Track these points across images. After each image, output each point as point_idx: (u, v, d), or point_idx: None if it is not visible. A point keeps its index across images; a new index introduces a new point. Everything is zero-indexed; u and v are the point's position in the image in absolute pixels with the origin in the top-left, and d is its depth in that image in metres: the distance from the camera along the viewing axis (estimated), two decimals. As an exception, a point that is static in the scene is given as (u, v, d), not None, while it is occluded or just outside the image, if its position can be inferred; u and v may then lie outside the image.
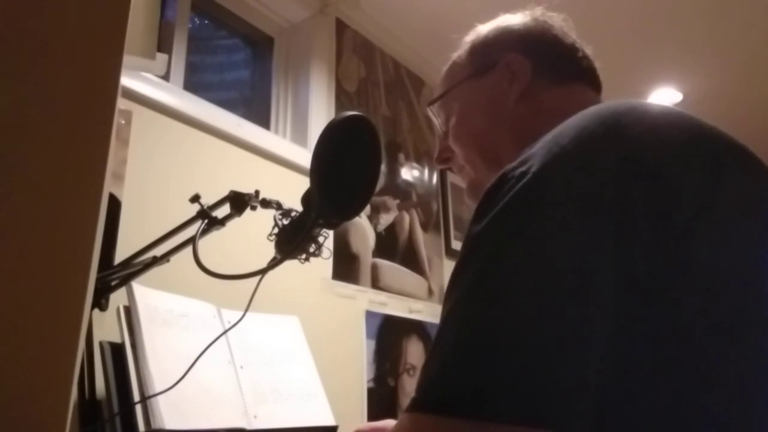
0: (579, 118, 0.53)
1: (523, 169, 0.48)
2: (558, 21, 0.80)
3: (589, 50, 0.79)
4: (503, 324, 0.42)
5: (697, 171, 0.49)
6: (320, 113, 1.84)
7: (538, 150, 0.50)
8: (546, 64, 0.75)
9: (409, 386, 1.88)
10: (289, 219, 0.78)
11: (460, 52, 0.83)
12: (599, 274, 0.43)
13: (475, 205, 0.51)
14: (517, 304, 0.43)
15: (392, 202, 2.05)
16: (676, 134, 0.52)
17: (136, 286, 0.96)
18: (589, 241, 0.44)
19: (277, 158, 1.63)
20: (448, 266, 2.23)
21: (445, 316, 0.46)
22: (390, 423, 0.93)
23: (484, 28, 0.82)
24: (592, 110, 0.54)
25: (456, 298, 0.46)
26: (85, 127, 0.41)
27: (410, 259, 2.07)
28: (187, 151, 1.40)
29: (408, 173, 2.18)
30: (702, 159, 0.51)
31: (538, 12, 0.81)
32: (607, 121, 0.51)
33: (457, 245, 2.30)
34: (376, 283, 1.88)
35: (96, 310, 0.96)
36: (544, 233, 0.44)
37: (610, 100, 0.59)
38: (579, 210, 0.45)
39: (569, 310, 0.42)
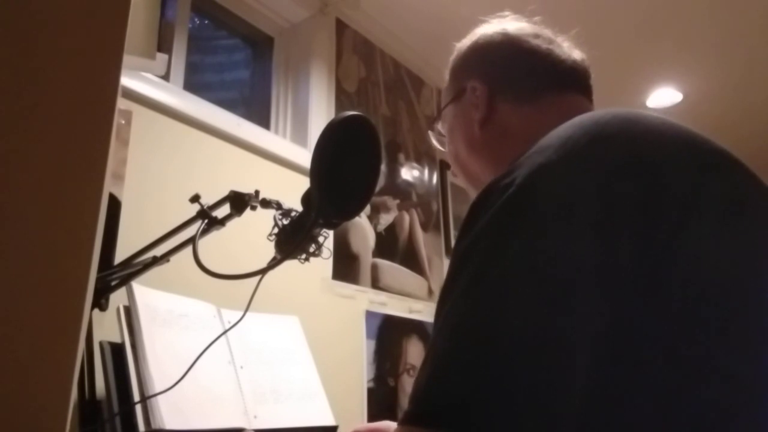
0: (563, 128, 0.53)
1: (507, 180, 0.48)
2: (525, 28, 0.78)
3: (566, 44, 0.77)
4: (490, 338, 0.42)
5: (684, 174, 0.50)
6: (320, 113, 1.84)
7: (523, 161, 0.50)
8: (506, 84, 0.75)
9: (409, 386, 1.88)
10: (289, 219, 0.78)
11: (446, 74, 0.84)
12: (585, 283, 0.43)
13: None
14: (503, 318, 0.43)
15: (392, 202, 2.05)
16: (663, 139, 0.53)
17: (136, 286, 0.96)
18: (574, 250, 0.44)
19: (277, 158, 1.63)
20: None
21: (437, 329, 0.47)
22: (388, 424, 0.93)
23: (460, 47, 0.83)
24: (576, 120, 0.54)
25: (446, 312, 0.46)
26: (85, 127, 0.41)
27: (410, 259, 2.07)
28: (187, 151, 1.40)
29: (408, 173, 2.18)
30: (689, 163, 0.51)
31: (509, 20, 0.80)
32: (591, 130, 0.51)
33: (457, 245, 2.29)
34: (376, 283, 1.88)
35: (96, 310, 0.96)
36: (529, 246, 0.45)
37: (595, 111, 0.59)
38: (564, 219, 0.45)
39: (556, 323, 0.42)
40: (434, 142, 0.91)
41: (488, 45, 0.79)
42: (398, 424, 0.45)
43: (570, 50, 0.77)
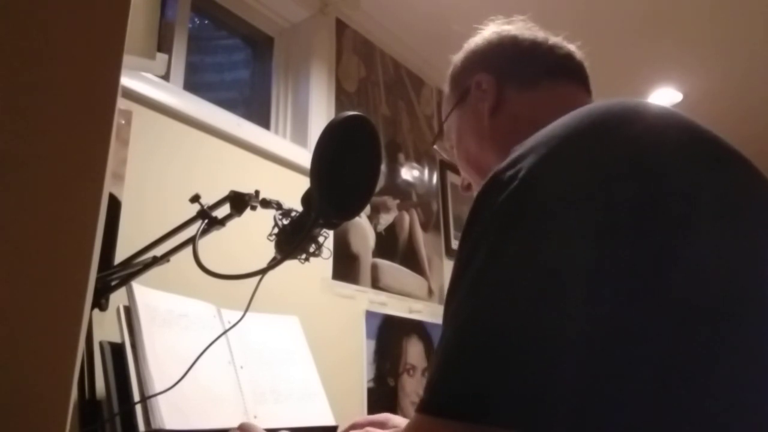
0: (568, 118, 0.53)
1: (511, 172, 0.49)
2: (518, 25, 0.82)
3: (556, 39, 0.80)
4: (496, 331, 0.44)
5: (688, 172, 0.50)
6: (320, 113, 1.84)
7: (527, 151, 0.50)
8: (510, 72, 0.78)
9: (409, 386, 1.88)
10: (289, 219, 0.78)
11: (446, 87, 0.87)
12: (584, 282, 0.44)
13: None
14: (508, 312, 0.44)
15: (392, 202, 2.05)
16: (669, 134, 0.52)
17: (136, 286, 0.96)
18: (575, 246, 0.45)
19: (277, 158, 1.63)
20: (448, 266, 2.23)
21: (447, 321, 0.48)
22: (388, 416, 0.93)
23: (456, 58, 0.86)
24: (582, 110, 0.54)
25: (454, 306, 0.47)
26: (85, 127, 0.41)
27: (410, 259, 2.07)
28: (187, 151, 1.40)
29: (408, 173, 2.18)
30: (694, 160, 0.51)
31: (500, 23, 0.84)
32: (597, 121, 0.52)
33: (457, 245, 2.29)
34: (376, 283, 1.88)
35: (96, 310, 0.96)
36: (532, 244, 0.45)
37: (602, 100, 0.59)
38: (566, 218, 0.46)
39: (556, 317, 0.43)
40: (442, 153, 0.92)
41: (487, 43, 0.82)
42: (415, 411, 0.47)
43: (563, 42, 0.80)
